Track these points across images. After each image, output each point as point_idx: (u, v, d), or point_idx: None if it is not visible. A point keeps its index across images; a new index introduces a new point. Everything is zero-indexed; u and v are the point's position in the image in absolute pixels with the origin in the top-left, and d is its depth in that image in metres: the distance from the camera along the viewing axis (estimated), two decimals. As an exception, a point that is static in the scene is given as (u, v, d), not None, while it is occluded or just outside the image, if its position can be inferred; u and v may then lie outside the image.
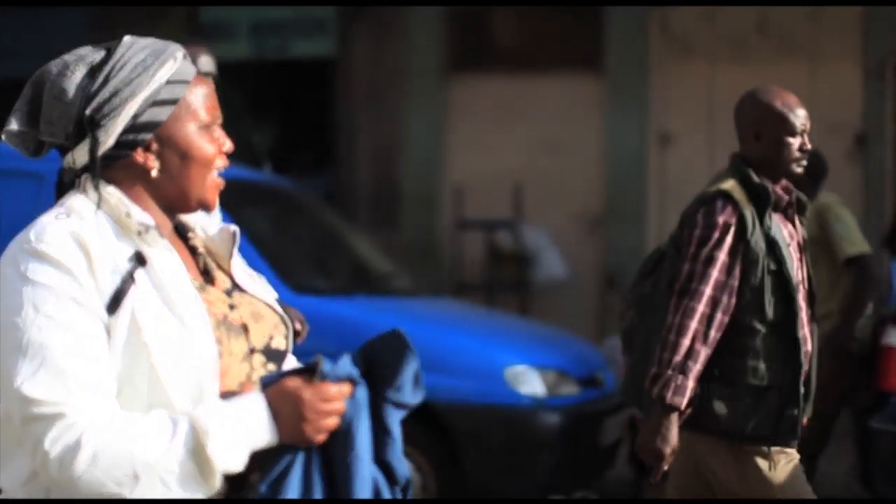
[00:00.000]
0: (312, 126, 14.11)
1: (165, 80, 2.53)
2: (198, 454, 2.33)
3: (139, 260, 2.44)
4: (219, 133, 2.62)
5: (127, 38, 2.57)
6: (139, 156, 2.53)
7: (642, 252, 12.28)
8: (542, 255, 12.43)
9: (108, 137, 2.50)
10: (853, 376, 6.92)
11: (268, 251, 7.69)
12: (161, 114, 2.52)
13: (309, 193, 10.09)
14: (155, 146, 2.54)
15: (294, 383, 2.41)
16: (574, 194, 12.52)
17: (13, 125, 2.56)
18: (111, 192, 2.51)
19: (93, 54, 2.55)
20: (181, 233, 2.67)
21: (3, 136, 2.58)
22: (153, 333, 2.39)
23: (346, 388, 2.43)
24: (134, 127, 2.51)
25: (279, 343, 2.61)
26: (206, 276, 2.62)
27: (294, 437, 2.40)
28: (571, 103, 12.54)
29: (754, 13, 12.19)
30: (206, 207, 2.60)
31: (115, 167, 2.53)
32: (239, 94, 14.61)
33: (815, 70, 12.16)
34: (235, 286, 2.64)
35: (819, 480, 7.24)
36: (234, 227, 2.69)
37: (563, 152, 12.55)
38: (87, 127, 2.49)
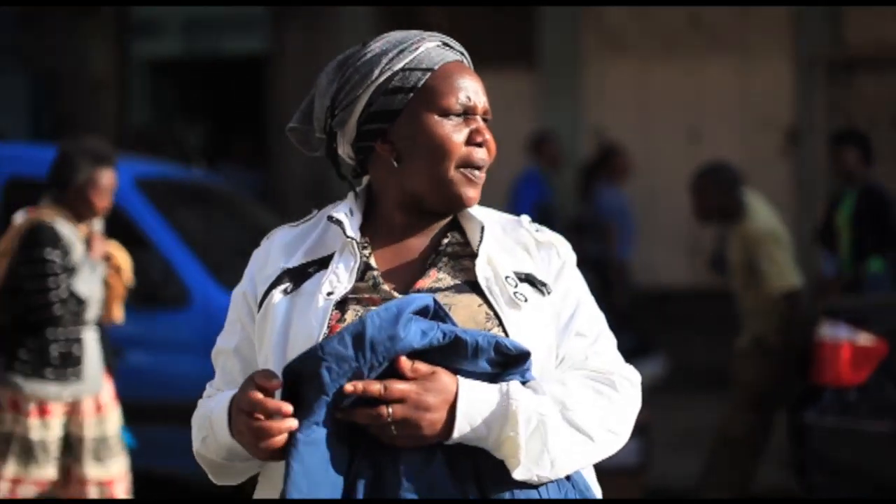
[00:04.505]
0: (245, 123, 14.03)
1: (400, 68, 2.43)
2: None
3: (317, 265, 2.45)
4: (476, 124, 2.49)
5: (394, 32, 2.51)
6: (378, 146, 2.46)
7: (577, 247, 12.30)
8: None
9: (346, 129, 2.48)
10: (787, 374, 6.97)
11: (200, 249, 7.62)
12: (395, 102, 2.43)
13: (241, 191, 10.01)
14: (392, 136, 2.45)
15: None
16: (510, 190, 12.53)
17: (292, 122, 2.59)
18: (351, 195, 2.53)
19: (351, 50, 2.52)
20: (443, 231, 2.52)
21: (288, 133, 2.60)
22: (273, 330, 2.42)
23: (285, 408, 2.26)
24: (369, 117, 2.45)
25: None
26: (427, 274, 2.46)
27: (243, 445, 2.33)
28: (506, 99, 12.55)
29: (686, 9, 12.24)
30: (457, 202, 2.47)
31: (372, 161, 2.50)
32: (171, 92, 14.52)
33: (746, 66, 12.24)
34: (470, 286, 2.45)
35: (756, 473, 7.28)
36: (481, 223, 2.50)
37: (498, 148, 12.52)
38: (328, 119, 2.49)
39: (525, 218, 2.58)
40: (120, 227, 7.18)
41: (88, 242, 5.78)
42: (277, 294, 2.42)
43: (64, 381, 5.61)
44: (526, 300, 2.42)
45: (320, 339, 2.33)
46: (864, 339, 6.23)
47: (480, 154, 2.50)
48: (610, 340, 2.51)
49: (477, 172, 2.48)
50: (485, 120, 2.53)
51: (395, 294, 2.38)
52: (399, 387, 2.26)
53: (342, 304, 2.39)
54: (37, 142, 12.61)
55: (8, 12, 13.68)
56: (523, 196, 10.93)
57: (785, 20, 12.13)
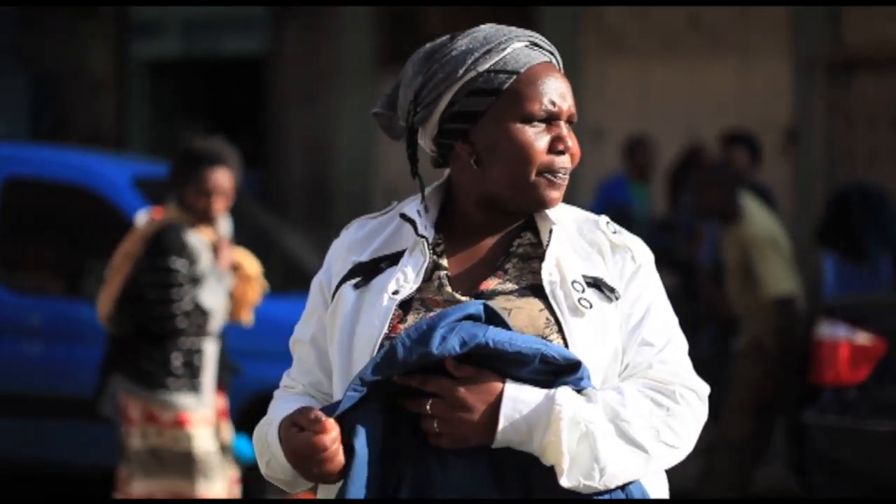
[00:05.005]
0: (245, 124, 14.04)
1: (486, 69, 2.41)
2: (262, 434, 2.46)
3: (388, 261, 2.43)
4: (558, 131, 2.43)
5: (483, 27, 2.52)
6: (458, 147, 2.43)
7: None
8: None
9: (428, 125, 2.45)
10: (787, 373, 6.98)
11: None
12: (478, 104, 2.40)
13: (241, 191, 10.00)
14: (473, 137, 2.41)
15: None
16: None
17: (376, 107, 2.55)
18: (430, 192, 2.50)
19: (439, 41, 2.49)
20: (517, 231, 2.49)
21: (373, 117, 2.56)
22: (340, 325, 2.41)
23: (328, 432, 2.29)
24: (451, 116, 2.42)
25: None
26: (494, 275, 2.44)
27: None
28: (504, 100, 12.54)
29: (686, 9, 12.24)
30: (540, 204, 2.43)
31: (451, 158, 2.46)
32: (170, 93, 14.52)
33: (745, 66, 12.23)
34: (534, 290, 2.41)
35: (755, 472, 7.28)
36: (552, 224, 2.45)
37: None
38: (411, 114, 2.45)
39: (603, 219, 2.52)
40: (119, 228, 7.18)
41: (216, 249, 5.58)
42: (348, 288, 2.42)
43: (187, 391, 5.42)
44: (591, 306, 2.37)
45: (380, 338, 2.33)
46: (863, 337, 6.23)
47: (562, 162, 2.44)
48: (679, 349, 2.44)
49: (560, 175, 2.44)
50: (570, 122, 2.48)
51: (458, 296, 2.37)
52: (437, 382, 2.28)
53: (407, 304, 2.38)
54: (36, 142, 12.62)
55: (8, 12, 13.68)
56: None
57: (784, 20, 12.12)
